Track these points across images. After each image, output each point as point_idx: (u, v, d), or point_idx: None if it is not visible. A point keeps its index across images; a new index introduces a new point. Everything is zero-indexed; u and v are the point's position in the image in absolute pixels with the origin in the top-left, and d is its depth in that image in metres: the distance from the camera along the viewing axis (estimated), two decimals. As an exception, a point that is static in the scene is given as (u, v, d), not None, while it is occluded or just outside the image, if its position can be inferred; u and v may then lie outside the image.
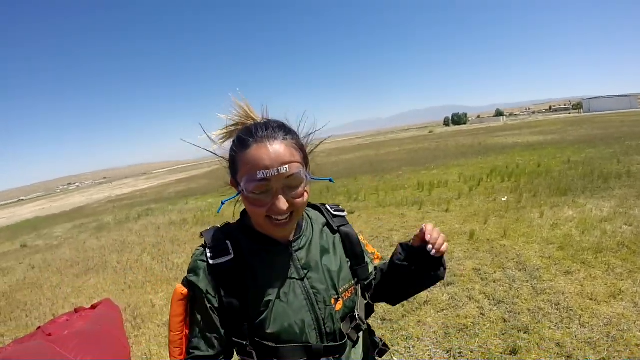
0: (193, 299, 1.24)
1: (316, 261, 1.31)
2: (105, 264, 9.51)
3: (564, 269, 4.93)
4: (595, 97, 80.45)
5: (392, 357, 1.53)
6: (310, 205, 1.47)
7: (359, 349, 1.40)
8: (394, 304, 1.57)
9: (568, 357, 3.31)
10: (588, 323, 3.72)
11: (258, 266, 1.24)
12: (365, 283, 1.46)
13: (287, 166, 1.09)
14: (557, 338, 3.57)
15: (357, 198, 12.20)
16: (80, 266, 9.74)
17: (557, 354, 3.37)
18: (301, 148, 1.21)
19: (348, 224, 1.47)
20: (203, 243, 1.28)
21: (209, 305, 1.22)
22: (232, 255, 1.20)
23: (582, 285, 4.45)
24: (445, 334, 3.97)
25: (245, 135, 1.15)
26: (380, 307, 4.68)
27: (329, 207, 1.49)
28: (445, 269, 1.41)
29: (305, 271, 1.28)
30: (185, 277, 1.26)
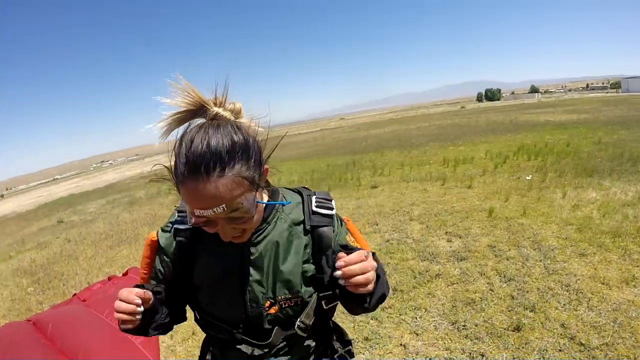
0: (160, 246, 1.34)
1: (266, 260, 1.25)
2: (137, 236, 9.85)
3: (580, 250, 4.90)
4: (635, 77, 77.63)
5: None
6: (296, 191, 1.38)
7: (294, 351, 1.35)
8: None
9: (571, 338, 3.33)
10: (596, 307, 3.72)
11: (210, 245, 1.26)
12: (325, 293, 1.30)
13: (224, 205, 0.99)
14: (562, 319, 3.59)
15: (382, 172, 12.22)
16: (114, 238, 10.11)
17: (561, 334, 3.40)
18: (246, 175, 1.02)
19: (330, 225, 1.30)
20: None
21: (166, 259, 1.33)
22: (191, 225, 1.17)
23: (595, 269, 4.43)
24: (453, 306, 4.05)
25: (179, 164, 1.02)
26: (393, 278, 4.78)
27: (313, 200, 1.33)
28: (376, 301, 1.18)
29: (250, 268, 1.24)
30: (161, 227, 1.37)
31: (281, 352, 1.33)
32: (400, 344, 3.60)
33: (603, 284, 4.11)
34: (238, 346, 1.30)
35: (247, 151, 1.04)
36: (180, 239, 1.29)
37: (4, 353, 3.45)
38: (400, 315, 4.04)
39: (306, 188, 1.40)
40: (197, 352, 3.95)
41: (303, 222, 1.30)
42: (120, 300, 1.14)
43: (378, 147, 19.98)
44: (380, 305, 1.26)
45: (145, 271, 1.41)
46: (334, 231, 1.31)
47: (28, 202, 33.14)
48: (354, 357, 1.57)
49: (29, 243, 12.02)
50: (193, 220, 1.05)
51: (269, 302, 1.25)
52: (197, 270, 1.28)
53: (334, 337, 1.53)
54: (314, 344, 1.41)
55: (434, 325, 3.78)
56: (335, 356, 1.49)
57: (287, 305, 1.26)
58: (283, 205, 1.27)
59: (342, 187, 11.12)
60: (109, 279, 5.56)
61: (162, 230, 1.35)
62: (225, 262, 1.25)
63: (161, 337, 4.21)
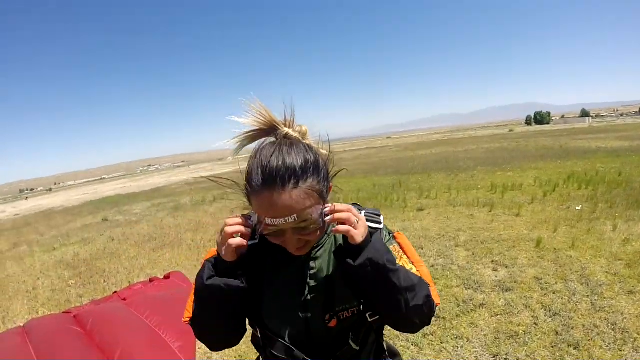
0: None
1: (324, 274, 1.32)
2: (180, 241, 10.13)
3: (628, 287, 4.83)
4: (696, 103, 74.37)
5: None
6: None
7: None
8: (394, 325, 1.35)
9: (615, 378, 3.33)
10: (643, 347, 3.69)
11: (273, 260, 1.34)
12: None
13: (295, 215, 1.08)
14: (606, 358, 3.57)
15: (428, 195, 12.19)
16: (157, 241, 10.44)
17: (604, 373, 3.39)
18: (316, 189, 1.14)
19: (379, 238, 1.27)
20: None
21: None
22: (257, 241, 1.29)
23: (643, 308, 4.37)
24: (496, 338, 4.07)
25: (255, 175, 1.12)
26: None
27: (363, 214, 1.35)
28: (368, 263, 1.14)
29: (311, 281, 1.31)
30: None
31: None
32: (441, 373, 3.65)
33: (651, 324, 4.05)
34: None
35: (317, 168, 1.15)
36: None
37: (44, 342, 3.62)
38: (441, 343, 4.09)
39: (356, 204, 1.45)
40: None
41: None
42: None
43: (425, 168, 19.88)
44: (420, 322, 1.28)
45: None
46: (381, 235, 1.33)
47: (75, 198, 34.33)
48: None
49: (74, 237, 12.55)
50: (262, 228, 1.14)
51: (328, 315, 1.30)
52: (261, 281, 1.34)
53: (387, 356, 1.56)
54: (372, 355, 1.45)
55: (475, 356, 3.81)
56: None
57: (345, 316, 1.31)
58: (327, 232, 1.31)
59: (388, 208, 11.13)
60: (151, 280, 5.73)
61: None
62: (287, 275, 1.33)
63: (198, 344, 4.36)
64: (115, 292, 5.40)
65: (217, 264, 1.23)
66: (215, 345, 1.37)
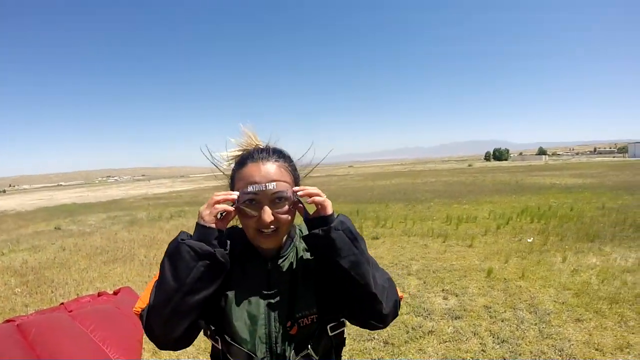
0: None
1: (286, 283, 1.39)
2: (132, 256, 9.85)
3: (576, 316, 4.87)
4: (641, 142, 77.78)
5: None
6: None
7: None
8: (356, 320, 1.40)
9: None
10: (588, 373, 3.69)
11: (240, 269, 1.39)
12: (329, 316, 1.43)
13: (274, 184, 1.24)
14: (553, 383, 3.55)
15: (384, 224, 12.21)
16: (109, 254, 10.12)
17: (550, 399, 3.36)
18: (293, 172, 1.38)
19: None
20: None
21: None
22: (227, 251, 1.28)
23: (590, 334, 4.39)
24: (443, 365, 3.99)
25: (245, 157, 1.34)
26: (385, 331, 4.74)
27: None
28: (331, 230, 1.24)
29: (274, 290, 1.37)
30: None
31: None
32: (388, 399, 3.56)
33: (597, 350, 4.08)
34: None
35: (292, 162, 1.41)
36: None
37: None
38: (389, 369, 4.00)
39: None
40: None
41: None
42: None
43: (383, 198, 20.00)
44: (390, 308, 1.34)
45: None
46: None
47: (29, 203, 33.29)
48: None
49: (24, 244, 12.08)
50: (242, 199, 1.25)
51: (290, 322, 1.35)
52: (226, 290, 1.36)
53: None
54: None
55: (423, 383, 3.74)
56: None
57: (304, 323, 1.36)
58: (305, 217, 1.37)
59: (343, 236, 11.01)
60: (99, 294, 5.50)
61: None
62: (254, 282, 1.38)
63: None
64: (62, 303, 5.15)
65: (195, 232, 1.26)
66: (168, 337, 1.26)
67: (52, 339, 3.71)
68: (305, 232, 1.43)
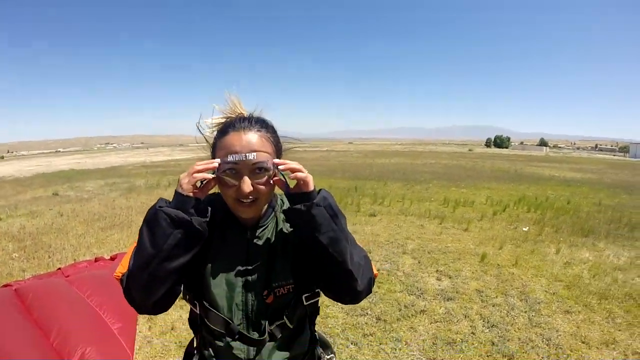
0: None
1: (264, 253, 1.42)
2: (130, 222, 9.89)
3: (565, 307, 4.95)
4: (644, 143, 77.29)
5: None
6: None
7: (285, 353, 1.45)
8: (333, 294, 1.44)
9: (545, 391, 3.38)
10: (573, 364, 3.77)
11: (220, 236, 1.41)
12: (305, 286, 1.46)
13: (254, 154, 1.24)
14: (539, 371, 3.64)
15: (382, 202, 12.24)
16: (107, 221, 10.14)
17: (535, 385, 3.44)
18: (275, 143, 1.37)
19: None
20: None
21: None
22: (207, 219, 1.30)
23: (578, 327, 4.47)
24: (433, 344, 4.09)
25: (227, 125, 1.33)
26: (378, 307, 4.83)
27: None
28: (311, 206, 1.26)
29: (252, 259, 1.40)
30: None
31: (273, 353, 1.42)
32: (377, 373, 3.64)
33: (583, 342, 4.15)
34: (232, 343, 1.38)
35: (275, 132, 1.39)
36: None
37: None
38: (380, 344, 4.08)
39: None
40: (173, 347, 3.95)
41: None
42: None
43: (382, 176, 20.00)
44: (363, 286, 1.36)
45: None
46: None
47: (27, 169, 33.12)
48: None
49: (21, 209, 12.04)
50: (222, 168, 1.25)
51: (266, 291, 1.39)
52: (206, 257, 1.38)
53: (319, 346, 1.65)
54: (304, 343, 1.52)
55: (412, 359, 3.82)
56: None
57: (280, 293, 1.40)
58: (286, 189, 1.35)
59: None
60: (96, 260, 5.56)
61: None
62: (234, 251, 1.41)
63: (138, 327, 4.23)
64: (59, 268, 5.22)
65: (173, 200, 1.27)
66: (145, 302, 1.29)
67: (49, 303, 3.75)
68: (286, 202, 1.47)
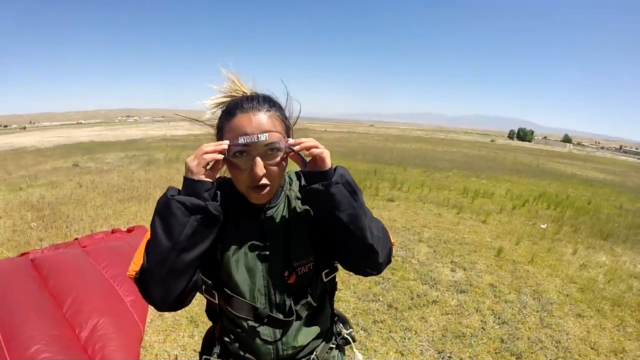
0: None
1: (280, 232, 1.39)
2: (148, 195, 10.01)
3: (577, 310, 4.94)
4: (673, 149, 75.62)
5: (353, 350, 1.60)
6: (297, 172, 1.52)
7: (311, 331, 1.47)
8: (350, 265, 1.43)
9: (550, 393, 3.40)
10: (581, 369, 3.78)
11: (233, 221, 1.38)
12: (324, 262, 1.46)
13: (266, 134, 1.19)
14: (546, 373, 3.66)
15: (400, 188, 12.23)
16: (125, 193, 10.28)
17: (541, 387, 3.46)
18: (284, 121, 1.31)
19: None
20: None
21: None
22: (218, 204, 1.25)
23: (588, 332, 4.46)
24: (443, 336, 4.12)
25: (232, 106, 1.26)
26: (390, 295, 4.86)
27: None
28: (331, 185, 1.24)
29: (269, 240, 1.37)
30: None
31: (299, 332, 1.43)
32: (384, 360, 3.68)
33: (592, 348, 4.14)
34: (259, 328, 1.38)
35: (283, 110, 1.34)
36: None
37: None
38: (390, 332, 4.12)
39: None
40: (184, 322, 4.01)
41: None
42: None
43: (402, 161, 19.94)
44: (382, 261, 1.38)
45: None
46: None
47: (48, 140, 33.47)
48: (355, 341, 1.67)
49: (41, 179, 12.24)
50: (233, 151, 1.21)
51: (287, 272, 1.38)
52: (222, 244, 1.35)
53: (338, 322, 1.67)
54: (326, 319, 1.55)
55: (421, 350, 3.86)
56: (339, 339, 1.63)
57: (302, 272, 1.39)
58: (303, 164, 1.32)
59: (358, 193, 11.07)
60: (113, 231, 5.65)
61: None
62: (249, 233, 1.37)
63: None
64: (77, 239, 5.32)
65: (183, 187, 1.23)
66: (166, 299, 1.23)
67: (65, 274, 3.84)
68: (294, 179, 1.50)
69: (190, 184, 1.20)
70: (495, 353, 3.88)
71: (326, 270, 1.47)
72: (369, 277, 5.17)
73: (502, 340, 4.11)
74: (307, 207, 1.42)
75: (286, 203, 1.43)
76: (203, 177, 1.20)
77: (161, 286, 1.20)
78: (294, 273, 1.38)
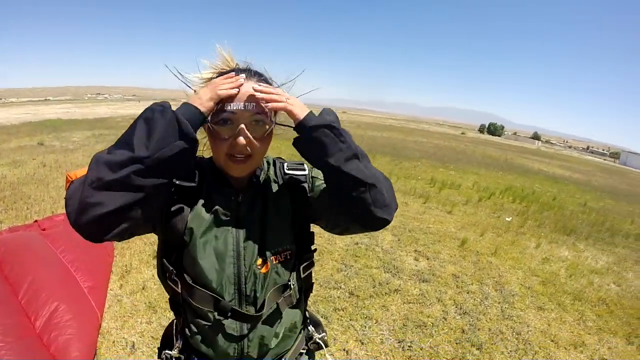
0: None
1: (257, 217, 1.31)
2: None
3: (539, 303, 4.94)
4: (636, 153, 77.78)
5: (326, 356, 1.50)
6: (273, 159, 1.46)
7: (281, 331, 1.37)
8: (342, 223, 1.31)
9: (509, 385, 3.36)
10: (540, 361, 3.76)
11: (207, 202, 1.28)
12: (305, 254, 1.40)
13: (254, 104, 1.15)
14: (505, 364, 3.62)
15: (367, 176, 12.14)
16: None
17: (500, 379, 3.42)
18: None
19: (305, 182, 1.40)
20: None
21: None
22: (195, 184, 1.25)
23: (549, 325, 4.46)
24: (404, 325, 4.05)
25: (224, 72, 1.21)
26: (352, 282, 4.77)
27: (285, 165, 1.43)
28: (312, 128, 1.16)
29: (243, 224, 1.29)
30: None
31: (268, 330, 1.33)
32: (344, 349, 3.59)
33: (553, 341, 4.14)
34: (224, 321, 1.27)
35: (271, 85, 1.26)
36: (178, 194, 1.24)
37: None
38: (350, 320, 4.03)
39: (279, 158, 1.48)
40: (142, 307, 3.86)
41: (281, 182, 1.39)
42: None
43: (371, 149, 19.89)
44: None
45: None
46: (308, 185, 1.40)
47: (14, 117, 32.51)
48: (328, 346, 1.58)
49: (4, 159, 11.80)
50: (219, 117, 1.15)
51: (260, 260, 1.28)
52: (191, 224, 1.25)
53: (309, 324, 1.58)
54: (299, 321, 1.46)
55: (381, 339, 3.77)
56: (310, 343, 1.54)
57: (277, 261, 1.31)
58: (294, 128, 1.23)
59: (324, 182, 11.04)
60: (74, 213, 5.49)
61: None
62: (222, 216, 1.27)
63: (110, 284, 4.16)
64: (36, 220, 5.17)
65: (183, 110, 1.11)
66: (95, 211, 0.98)
67: (21, 258, 3.71)
68: (272, 164, 1.43)
69: (192, 111, 1.10)
70: (456, 343, 3.83)
71: (305, 264, 1.40)
72: (330, 264, 5.11)
73: (463, 331, 4.06)
74: (288, 191, 1.37)
75: (264, 186, 1.36)
76: (207, 112, 1.13)
77: (97, 192, 0.98)
78: (268, 261, 1.29)
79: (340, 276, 4.92)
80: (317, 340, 1.54)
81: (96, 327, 3.32)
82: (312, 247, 1.43)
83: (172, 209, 1.22)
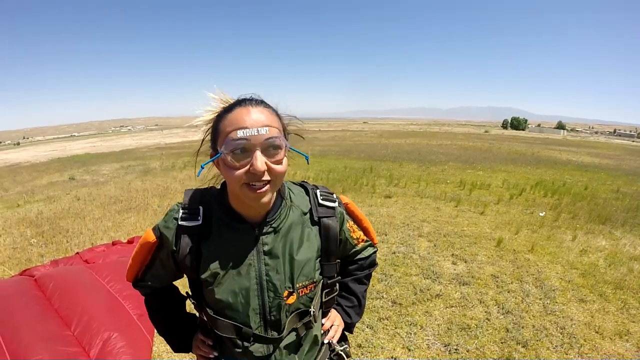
0: (160, 246, 1.33)
1: (281, 250, 1.30)
2: (146, 205, 10.02)
3: (580, 296, 4.96)
4: (666, 130, 75.65)
5: None
6: (299, 184, 1.47)
7: (304, 347, 1.44)
8: None
9: (558, 379, 3.42)
10: (587, 354, 3.79)
11: (220, 239, 1.28)
12: (329, 282, 1.47)
13: (267, 128, 1.11)
14: None
15: (397, 184, 12.26)
16: (123, 204, 10.29)
17: (548, 374, 3.48)
18: (281, 120, 1.22)
19: (333, 216, 1.41)
20: (182, 201, 1.34)
21: (167, 260, 1.35)
22: (200, 222, 1.26)
23: (592, 316, 4.49)
24: (448, 329, 4.14)
25: (229, 105, 1.19)
26: (394, 291, 4.88)
27: (318, 193, 1.43)
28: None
29: (266, 257, 1.29)
30: (158, 226, 1.33)
31: (292, 347, 1.40)
32: (392, 357, 3.69)
33: (597, 332, 4.17)
34: (251, 348, 1.33)
35: (279, 115, 1.23)
36: (185, 236, 1.28)
37: (3, 306, 3.58)
38: (395, 328, 4.14)
39: (306, 182, 1.49)
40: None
41: (310, 212, 1.39)
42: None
43: (397, 157, 19.94)
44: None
45: (136, 270, 1.43)
46: (337, 221, 1.43)
47: (43, 154, 33.36)
48: (350, 357, 1.62)
49: (38, 195, 12.21)
50: (231, 146, 1.11)
51: (287, 292, 1.30)
52: (206, 264, 1.28)
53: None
54: (320, 339, 1.52)
55: (427, 344, 3.88)
56: (332, 355, 1.57)
57: (304, 293, 1.33)
58: (306, 159, 1.32)
59: (356, 192, 11.19)
60: (113, 243, 5.67)
61: (164, 227, 1.32)
62: (240, 251, 1.28)
63: None
64: (78, 253, 5.32)
65: (173, 343, 1.62)
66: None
67: (70, 292, 3.87)
68: (297, 192, 1.42)
69: (180, 347, 1.61)
70: (501, 343, 3.90)
71: (327, 290, 1.49)
72: (372, 274, 5.20)
73: (507, 330, 4.13)
74: (318, 227, 1.38)
75: (288, 216, 1.33)
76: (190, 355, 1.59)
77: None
78: (295, 293, 1.32)
79: (382, 286, 5.04)
80: (339, 351, 1.57)
81: (149, 352, 3.47)
82: (336, 276, 1.49)
83: (184, 257, 1.29)
